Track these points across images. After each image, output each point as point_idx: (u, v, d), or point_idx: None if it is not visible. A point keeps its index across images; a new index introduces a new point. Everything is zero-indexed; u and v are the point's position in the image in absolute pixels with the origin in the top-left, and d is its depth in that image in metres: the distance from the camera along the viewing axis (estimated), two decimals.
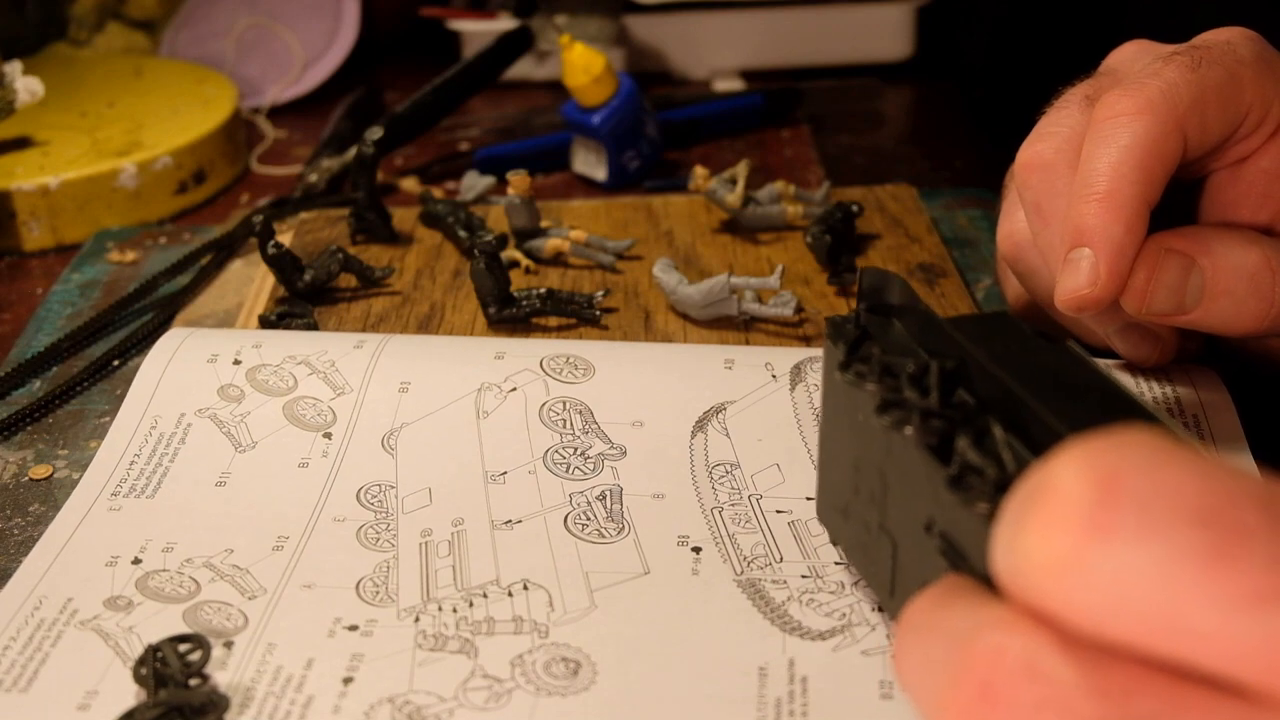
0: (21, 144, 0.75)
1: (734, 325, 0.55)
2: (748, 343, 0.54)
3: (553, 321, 0.56)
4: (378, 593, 0.40)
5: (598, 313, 0.56)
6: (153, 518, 0.44)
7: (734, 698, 0.36)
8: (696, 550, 0.42)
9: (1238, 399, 0.46)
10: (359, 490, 0.45)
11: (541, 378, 0.48)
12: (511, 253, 0.61)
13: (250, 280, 0.63)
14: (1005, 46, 0.91)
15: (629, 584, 0.40)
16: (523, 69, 0.90)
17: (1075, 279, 0.41)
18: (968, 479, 0.29)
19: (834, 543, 0.40)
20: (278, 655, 0.37)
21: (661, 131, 0.75)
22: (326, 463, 0.46)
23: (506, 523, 0.43)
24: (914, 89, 0.94)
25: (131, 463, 0.46)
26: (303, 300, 0.58)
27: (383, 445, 0.46)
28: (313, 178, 0.75)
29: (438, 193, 0.69)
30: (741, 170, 0.63)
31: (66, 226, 0.71)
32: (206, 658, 0.37)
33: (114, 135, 0.76)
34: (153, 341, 0.52)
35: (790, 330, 0.55)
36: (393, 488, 0.45)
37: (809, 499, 0.43)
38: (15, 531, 0.45)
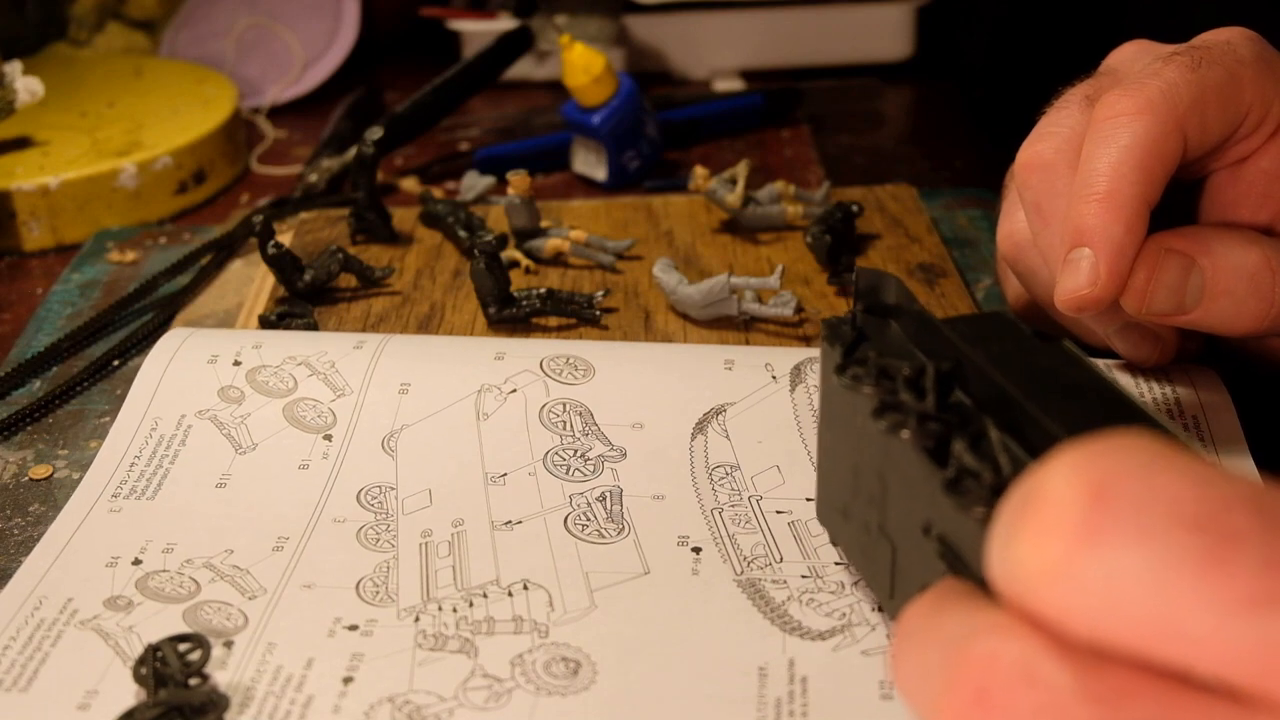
0: (21, 144, 0.75)
1: (734, 325, 0.55)
2: (748, 343, 0.54)
3: (553, 321, 0.56)
4: (378, 593, 0.40)
5: (598, 313, 0.56)
6: (153, 519, 0.44)
7: (734, 697, 0.36)
8: (696, 550, 0.42)
9: (1238, 399, 0.46)
10: (359, 491, 0.45)
11: (541, 379, 0.48)
12: (511, 253, 0.61)
13: (250, 280, 0.63)
14: (1005, 46, 0.91)
15: (629, 584, 0.40)
16: (523, 69, 0.90)
17: (1075, 279, 0.41)
18: (964, 482, 0.29)
19: (834, 544, 0.40)
20: (278, 655, 0.38)
21: (661, 131, 0.75)
22: (327, 464, 0.46)
23: (506, 523, 0.43)
24: (914, 89, 0.94)
25: (132, 464, 0.46)
26: (303, 300, 0.58)
27: (383, 447, 0.46)
28: (313, 178, 0.75)
29: (438, 193, 0.69)
30: (741, 170, 0.63)
31: (66, 226, 0.71)
32: (206, 657, 0.37)
33: (114, 135, 0.76)
34: (153, 342, 0.52)
35: (790, 330, 0.55)
36: (393, 489, 0.45)
37: (809, 500, 0.43)
38: (15, 531, 0.45)
